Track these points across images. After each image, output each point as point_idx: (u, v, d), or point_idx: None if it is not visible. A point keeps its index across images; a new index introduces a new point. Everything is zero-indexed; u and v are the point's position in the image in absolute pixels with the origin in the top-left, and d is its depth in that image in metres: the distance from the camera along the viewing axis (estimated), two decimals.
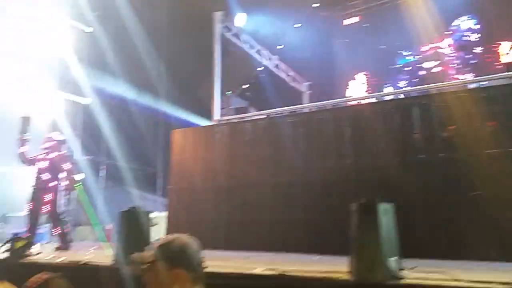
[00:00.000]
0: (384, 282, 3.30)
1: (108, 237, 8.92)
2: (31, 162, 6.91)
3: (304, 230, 6.62)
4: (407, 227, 4.75)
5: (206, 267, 1.97)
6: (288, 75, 13.21)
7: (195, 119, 12.93)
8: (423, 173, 6.08)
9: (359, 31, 15.76)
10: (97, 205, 10.45)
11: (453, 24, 13.82)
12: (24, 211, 6.74)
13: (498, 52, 12.70)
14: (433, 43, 14.22)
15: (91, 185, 10.65)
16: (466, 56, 13.56)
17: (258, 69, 14.38)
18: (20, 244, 5.17)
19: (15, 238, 5.25)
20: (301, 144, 7.29)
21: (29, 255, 5.31)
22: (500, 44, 12.68)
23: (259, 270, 3.95)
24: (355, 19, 16.05)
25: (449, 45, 14.04)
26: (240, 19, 11.83)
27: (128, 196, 11.01)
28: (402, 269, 3.50)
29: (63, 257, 5.15)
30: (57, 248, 6.48)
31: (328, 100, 9.61)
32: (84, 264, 4.56)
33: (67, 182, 7.16)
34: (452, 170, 5.82)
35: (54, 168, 7.00)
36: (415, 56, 14.75)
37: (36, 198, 6.74)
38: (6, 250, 5.21)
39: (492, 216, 5.34)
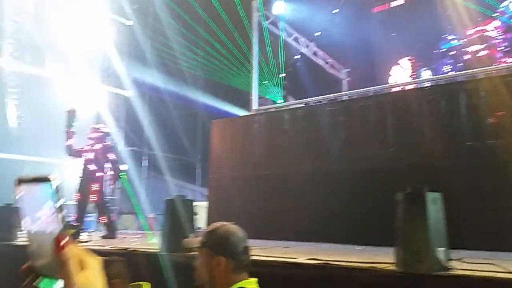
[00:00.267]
0: (432, 273, 3.20)
1: (151, 226, 9.17)
2: (77, 154, 7.16)
3: (345, 220, 6.53)
4: (453, 217, 4.59)
5: (251, 256, 1.97)
6: (326, 62, 13.01)
7: (233, 109, 13.01)
8: (470, 160, 5.84)
9: (401, 15, 15.21)
10: (139, 194, 10.76)
11: (501, 5, 13.10)
12: (72, 201, 7.01)
13: None
14: (479, 26, 13.54)
15: (134, 176, 10.97)
16: None
17: (295, 57, 14.23)
18: (72, 231, 5.38)
19: (66, 225, 5.47)
20: (341, 132, 7.17)
21: (78, 243, 5.53)
22: None
23: (302, 259, 3.93)
24: (399, 2, 15.49)
25: (496, 28, 13.33)
26: (278, 7, 11.73)
27: (169, 186, 11.25)
28: (451, 260, 3.39)
29: (110, 245, 5.32)
30: (104, 237, 6.71)
31: (368, 86, 9.36)
32: (131, 251, 4.70)
33: (112, 173, 7.39)
34: (501, 157, 5.54)
35: (99, 159, 7.23)
36: (460, 40, 14.10)
37: (84, 188, 7.00)
38: None
39: None
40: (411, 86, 10.49)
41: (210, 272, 1.88)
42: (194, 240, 2.05)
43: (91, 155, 7.21)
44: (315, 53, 12.60)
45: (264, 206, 7.52)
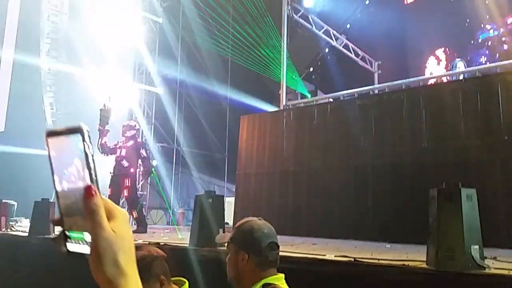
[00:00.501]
0: (466, 271, 3.09)
1: (179, 220, 9.31)
2: (111, 151, 7.32)
3: (375, 216, 6.42)
4: (488, 214, 4.42)
5: (279, 250, 1.96)
6: (357, 55, 12.78)
7: (262, 105, 12.98)
8: (507, 155, 5.60)
9: (435, 5, 14.73)
10: (169, 190, 10.93)
11: None
12: (104, 196, 7.17)
13: None
14: None
15: (164, 171, 11.16)
16: None
17: (327, 50, 14.05)
18: None
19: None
20: (372, 127, 7.02)
21: None
22: None
23: (330, 256, 3.88)
24: None
25: None
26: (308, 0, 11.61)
27: (197, 181, 11.38)
28: (485, 258, 3.26)
29: (142, 240, 5.43)
30: (134, 231, 6.84)
31: (400, 79, 9.13)
32: (163, 245, 4.77)
33: (143, 169, 7.53)
34: None
35: (132, 155, 7.38)
36: (498, 30, 13.53)
37: (116, 184, 7.16)
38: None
39: None
40: (445, 79, 10.16)
41: (236, 268, 1.90)
42: (225, 236, 2.07)
43: (123, 152, 7.36)
44: (345, 46, 12.39)
45: (292, 202, 7.49)
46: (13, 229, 7.09)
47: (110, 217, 0.64)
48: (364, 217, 6.58)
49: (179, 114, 12.80)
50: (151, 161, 7.80)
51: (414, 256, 3.67)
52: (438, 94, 6.63)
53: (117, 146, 7.37)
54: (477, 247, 3.15)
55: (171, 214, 10.49)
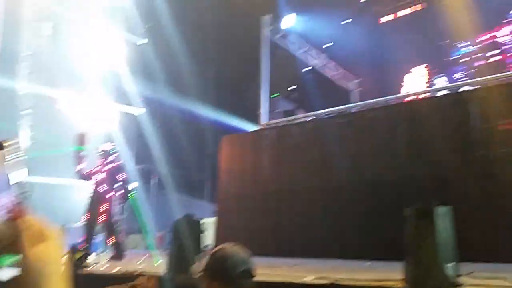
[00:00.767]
0: None
1: (158, 245, 9.12)
2: (89, 176, 7.18)
3: (355, 235, 6.40)
4: (464, 228, 4.43)
5: (254, 277, 1.91)
6: (337, 73, 12.95)
7: (243, 124, 12.99)
8: (483, 170, 5.68)
9: (411, 23, 15.14)
10: (148, 213, 10.73)
11: (510, 12, 12.97)
12: (81, 222, 7.01)
13: None
14: (490, 33, 13.39)
15: (143, 194, 10.98)
16: None
17: (305, 69, 14.22)
18: (78, 255, 5.35)
19: (73, 249, 5.44)
20: (352, 145, 7.07)
21: (86, 266, 5.50)
22: None
23: (309, 278, 3.83)
24: (407, 11, 15.45)
25: (505, 34, 13.20)
26: (288, 21, 11.77)
27: (177, 203, 11.21)
28: (460, 275, 3.26)
29: (118, 267, 5.29)
30: (111, 258, 6.67)
31: (379, 96, 9.26)
32: (138, 274, 4.64)
33: (122, 192, 7.38)
34: None
35: (110, 179, 7.23)
36: (472, 47, 13.93)
37: (93, 209, 6.99)
38: (65, 262, 5.38)
39: None
40: (422, 95, 10.34)
41: None
42: (200, 265, 2.03)
43: (102, 176, 7.22)
44: (325, 65, 12.55)
45: (273, 222, 7.43)
46: None
47: (39, 239, 0.60)
48: (344, 236, 6.56)
49: (159, 135, 12.70)
50: (129, 184, 7.65)
51: (393, 275, 3.65)
52: (414, 111, 6.73)
53: (94, 171, 7.23)
54: (452, 264, 3.15)
55: (150, 238, 10.27)
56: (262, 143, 8.26)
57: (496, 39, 13.44)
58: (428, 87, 14.04)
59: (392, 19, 15.65)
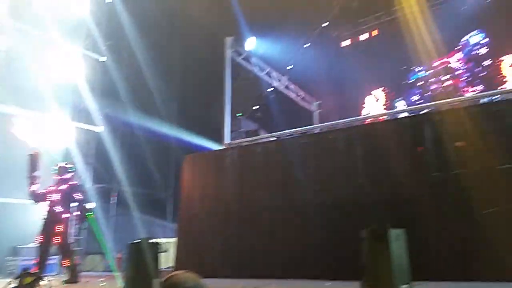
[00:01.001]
0: None
1: (118, 266, 8.84)
2: (42, 198, 6.91)
3: (317, 255, 6.45)
4: (419, 248, 4.57)
5: None
6: (298, 95, 13.21)
7: (207, 143, 12.94)
8: (437, 191, 5.90)
9: (370, 48, 15.76)
10: (107, 233, 10.41)
11: (463, 39, 13.78)
12: (35, 243, 6.70)
13: (501, 67, 12.77)
14: (444, 58, 14.14)
15: (102, 214, 10.66)
16: (476, 70, 13.48)
17: (268, 90, 14.42)
18: (29, 280, 5.10)
19: (23, 273, 5.19)
20: (313, 165, 7.18)
21: None
22: (502, 60, 12.78)
23: None
24: (365, 36, 16.09)
25: (459, 59, 13.98)
26: (250, 43, 11.99)
27: (138, 223, 10.95)
28: None
29: None
30: (66, 282, 6.40)
31: (339, 118, 9.51)
32: None
33: (79, 212, 7.14)
34: (466, 187, 5.63)
35: (65, 199, 6.99)
36: (427, 71, 14.64)
37: (47, 230, 6.72)
38: (15, 287, 5.12)
39: (508, 234, 5.12)
40: (380, 117, 10.70)
41: None
42: None
43: (57, 196, 6.97)
44: (287, 87, 12.78)
45: (236, 242, 7.37)
46: None
47: None
48: (306, 256, 6.60)
49: (120, 153, 12.43)
50: (86, 204, 7.42)
51: None
52: (372, 133, 6.93)
53: (49, 191, 6.96)
54: (407, 285, 3.24)
55: (109, 259, 9.94)
56: (225, 163, 8.24)
57: (449, 65, 14.19)
58: (385, 109, 14.58)
59: (352, 43, 16.23)
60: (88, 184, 11.09)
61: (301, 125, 10.02)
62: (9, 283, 5.20)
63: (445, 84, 14.06)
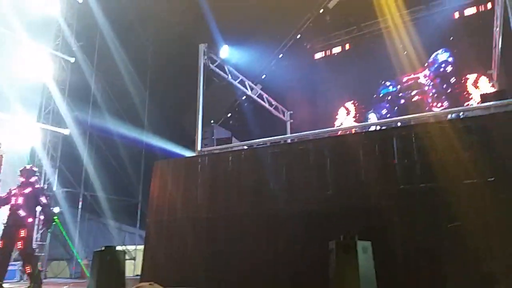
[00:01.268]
0: None
1: (83, 273, 8.63)
2: (4, 201, 6.68)
3: (286, 264, 6.48)
4: (387, 259, 4.67)
5: None
6: (271, 105, 13.31)
7: (180, 150, 12.84)
8: (404, 203, 6.06)
9: (342, 61, 16.14)
10: (74, 238, 10.14)
11: (431, 56, 14.31)
12: None
13: (467, 84, 13.38)
14: (413, 74, 14.65)
15: (69, 218, 10.38)
16: (443, 87, 14.00)
17: (242, 98, 14.49)
18: None
19: None
20: (283, 175, 7.23)
21: None
22: (468, 78, 13.38)
23: None
24: (338, 49, 16.45)
25: (425, 76, 14.51)
26: (224, 51, 12.04)
27: (107, 228, 10.73)
28: None
29: None
30: None
31: (311, 129, 9.64)
32: None
33: (44, 217, 6.93)
34: (432, 200, 5.81)
35: (29, 203, 6.78)
36: (396, 86, 15.09)
37: (8, 236, 6.48)
38: None
39: (472, 247, 5.31)
40: (350, 130, 10.92)
41: None
42: None
43: (20, 200, 6.74)
44: (260, 96, 12.86)
45: (205, 251, 7.31)
46: None
47: None
48: (276, 265, 6.62)
49: (89, 157, 12.16)
50: (52, 208, 7.20)
51: None
52: (342, 145, 7.06)
53: (12, 194, 6.73)
54: None
55: (74, 266, 9.68)
56: (195, 170, 8.19)
57: (418, 80, 14.69)
58: (355, 121, 14.91)
59: (325, 56, 16.55)
60: (55, 188, 10.79)
61: (274, 134, 10.10)
62: None
63: (413, 99, 14.52)
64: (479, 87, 13.06)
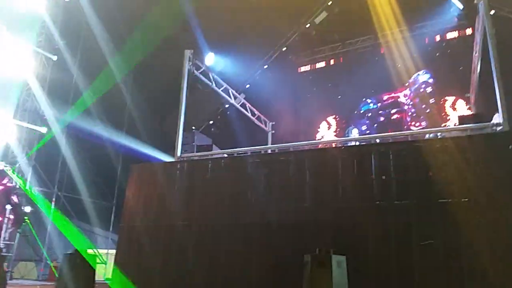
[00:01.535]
0: None
1: (52, 275, 8.38)
2: None
3: (259, 275, 6.44)
4: (360, 274, 4.70)
5: None
6: (253, 114, 13.34)
7: (159, 155, 12.71)
8: (379, 219, 6.12)
9: (326, 76, 16.37)
10: (44, 240, 9.87)
11: (412, 77, 14.63)
12: None
13: (445, 106, 13.75)
14: (393, 93, 14.96)
15: (41, 219, 10.11)
16: (422, 107, 14.32)
17: (225, 106, 14.48)
18: None
19: None
20: (262, 185, 7.22)
21: None
22: (446, 99, 13.76)
23: None
24: (322, 64, 16.68)
25: (405, 95, 14.84)
26: (209, 58, 12.06)
27: (80, 231, 10.49)
28: None
29: None
30: None
31: (292, 141, 9.70)
32: None
33: (14, 216, 6.75)
34: (406, 218, 5.90)
35: None
36: (377, 103, 15.37)
37: None
38: None
39: (444, 266, 5.40)
40: (333, 144, 11.02)
41: None
42: None
43: None
44: (243, 105, 12.88)
45: (177, 258, 7.21)
46: None
47: None
48: (249, 275, 6.57)
49: (64, 157, 11.92)
50: (23, 208, 7.02)
51: None
52: (321, 158, 7.11)
53: None
54: None
55: (42, 268, 9.42)
56: (173, 176, 8.12)
57: (398, 99, 15.00)
58: (336, 136, 15.09)
59: (310, 70, 16.77)
60: (28, 187, 10.51)
61: (255, 144, 10.12)
62: None
63: (393, 117, 14.80)
64: (457, 109, 13.42)
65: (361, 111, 15.58)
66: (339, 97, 15.77)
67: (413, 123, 14.23)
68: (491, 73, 7.05)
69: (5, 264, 6.57)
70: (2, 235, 6.58)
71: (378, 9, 13.40)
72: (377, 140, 8.35)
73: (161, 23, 13.31)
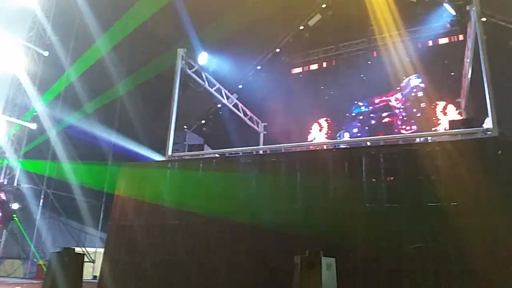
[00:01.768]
0: None
1: (40, 273, 8.29)
2: None
3: (249, 275, 6.44)
4: (349, 278, 4.71)
5: None
6: (246, 115, 13.34)
7: (150, 153, 12.64)
8: (369, 222, 6.14)
9: (318, 78, 16.42)
10: (32, 237, 9.77)
11: (404, 81, 14.74)
12: None
13: (436, 110, 13.88)
14: (385, 96, 15.05)
15: (29, 216, 10.01)
16: (413, 111, 14.44)
17: (218, 106, 14.45)
18: None
19: None
20: (253, 186, 7.23)
21: None
22: (437, 104, 13.88)
23: None
24: (315, 66, 16.73)
25: (396, 99, 14.93)
26: (202, 58, 12.01)
27: (68, 229, 10.40)
28: None
29: None
30: None
31: (284, 142, 9.71)
32: None
33: (2, 214, 6.66)
34: (396, 221, 5.93)
35: None
36: (368, 107, 15.44)
37: None
38: None
39: (433, 269, 5.44)
40: (324, 146, 11.06)
41: None
42: None
43: None
44: (235, 105, 12.87)
45: (167, 257, 7.18)
46: None
47: None
48: (240, 276, 6.57)
49: (54, 154, 11.80)
50: (11, 205, 6.94)
51: None
52: (313, 160, 7.12)
53: None
54: None
55: (29, 266, 9.31)
56: (164, 175, 8.08)
57: (389, 103, 15.09)
58: (327, 138, 15.15)
59: (303, 71, 16.83)
60: (16, 184, 10.40)
61: (247, 144, 10.12)
62: None
63: (384, 121, 14.89)
64: (447, 114, 13.54)
65: (353, 114, 15.65)
66: (326, 98, 15.87)
67: (404, 126, 14.34)
68: (482, 78, 7.12)
69: None
70: None
71: (372, 13, 13.50)
72: (368, 143, 8.37)
73: (154, 21, 13.26)
